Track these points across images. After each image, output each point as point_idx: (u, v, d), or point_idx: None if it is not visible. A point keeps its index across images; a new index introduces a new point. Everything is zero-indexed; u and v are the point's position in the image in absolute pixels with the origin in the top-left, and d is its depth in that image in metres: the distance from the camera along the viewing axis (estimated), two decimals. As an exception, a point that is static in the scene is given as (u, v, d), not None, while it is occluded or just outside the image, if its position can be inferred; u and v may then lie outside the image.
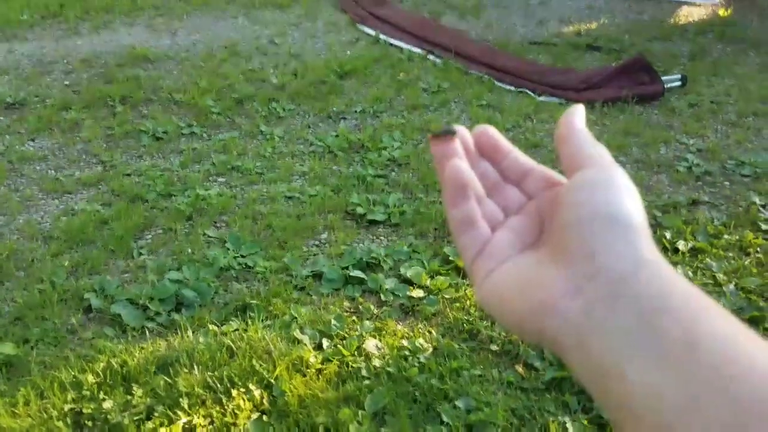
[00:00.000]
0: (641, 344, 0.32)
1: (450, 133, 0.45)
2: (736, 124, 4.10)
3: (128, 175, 3.52)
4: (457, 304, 2.52)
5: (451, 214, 0.43)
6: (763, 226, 2.99)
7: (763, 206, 3.17)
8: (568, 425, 2.00)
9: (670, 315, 0.32)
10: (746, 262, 2.74)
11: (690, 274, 2.69)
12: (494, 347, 2.32)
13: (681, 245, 2.84)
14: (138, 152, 3.79)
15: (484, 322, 2.42)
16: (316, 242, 2.97)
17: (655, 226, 3.00)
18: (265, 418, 2.00)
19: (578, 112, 0.43)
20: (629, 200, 0.37)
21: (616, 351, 0.33)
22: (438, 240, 2.96)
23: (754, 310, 2.44)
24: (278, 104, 4.36)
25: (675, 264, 2.71)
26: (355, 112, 4.29)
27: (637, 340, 0.32)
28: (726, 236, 2.93)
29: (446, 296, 2.56)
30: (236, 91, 4.49)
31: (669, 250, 2.83)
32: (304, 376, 2.16)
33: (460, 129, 0.46)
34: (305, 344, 2.29)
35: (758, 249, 2.84)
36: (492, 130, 0.47)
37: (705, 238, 2.91)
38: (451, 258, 2.78)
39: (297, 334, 2.34)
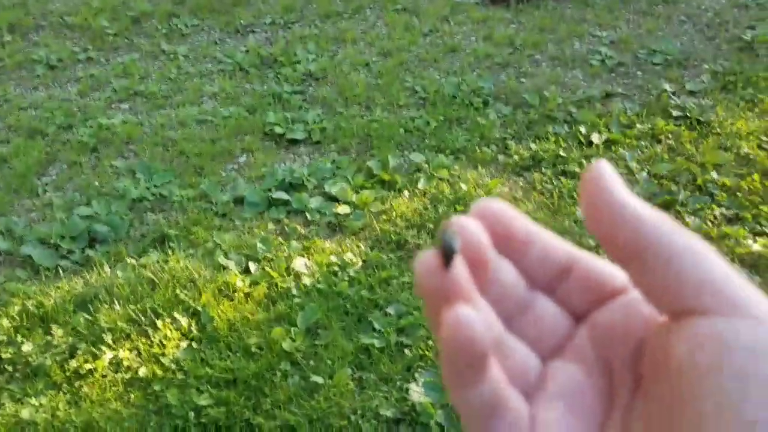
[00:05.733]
0: None
1: (450, 252, 0.24)
2: (646, 12, 4.14)
3: (24, 108, 3.27)
4: (384, 217, 2.51)
5: (460, 399, 0.25)
6: (674, 113, 3.07)
7: (674, 93, 3.25)
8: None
9: None
10: (658, 149, 2.83)
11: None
12: (421, 253, 2.34)
13: (595, 138, 2.89)
14: (32, 83, 3.51)
15: (411, 231, 2.43)
16: (235, 166, 2.87)
17: (571, 121, 3.04)
18: (194, 345, 1.98)
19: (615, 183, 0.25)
20: None
21: None
22: (361, 154, 2.91)
23: (665, 194, 2.54)
24: (179, 20, 4.08)
25: (588, 157, 2.77)
26: (265, 24, 4.07)
27: None
28: (639, 126, 3.00)
29: (372, 210, 2.55)
30: (132, 9, 4.16)
31: (583, 144, 2.88)
32: (232, 300, 2.13)
33: (465, 224, 0.25)
34: (231, 269, 2.25)
35: (669, 135, 2.93)
36: (502, 208, 0.27)
37: (618, 129, 2.98)
38: (375, 172, 2.75)
39: (222, 260, 2.28)
